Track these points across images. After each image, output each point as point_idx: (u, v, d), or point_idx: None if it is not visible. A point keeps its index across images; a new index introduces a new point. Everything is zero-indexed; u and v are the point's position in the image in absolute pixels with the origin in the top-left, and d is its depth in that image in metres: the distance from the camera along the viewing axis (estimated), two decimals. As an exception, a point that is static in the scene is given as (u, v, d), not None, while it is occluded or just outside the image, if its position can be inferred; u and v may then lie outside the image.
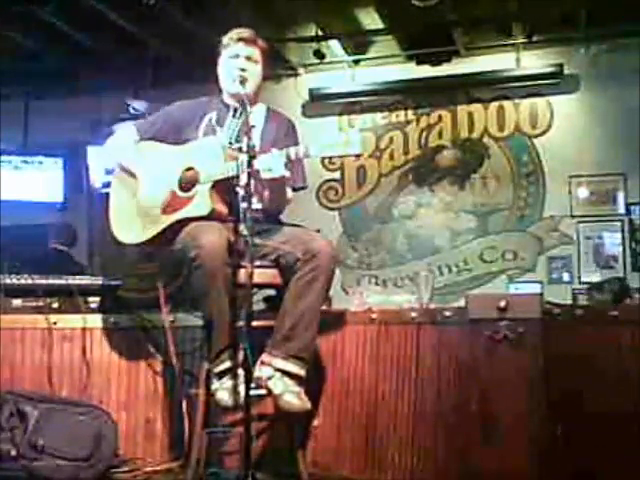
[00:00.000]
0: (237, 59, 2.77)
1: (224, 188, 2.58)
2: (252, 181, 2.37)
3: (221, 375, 2.50)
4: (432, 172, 6.54)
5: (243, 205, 2.33)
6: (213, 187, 2.61)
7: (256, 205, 2.67)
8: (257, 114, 2.83)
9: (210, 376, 2.55)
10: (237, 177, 2.44)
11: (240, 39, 2.78)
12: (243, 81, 2.72)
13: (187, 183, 2.68)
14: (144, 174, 2.79)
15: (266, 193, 2.73)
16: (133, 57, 6.09)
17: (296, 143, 2.75)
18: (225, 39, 2.82)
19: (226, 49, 2.80)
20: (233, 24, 2.88)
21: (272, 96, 5.52)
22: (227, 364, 2.49)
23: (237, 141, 2.74)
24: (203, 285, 2.47)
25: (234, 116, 2.82)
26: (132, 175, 2.83)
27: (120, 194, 2.88)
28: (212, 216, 2.60)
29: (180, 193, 2.68)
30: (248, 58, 2.77)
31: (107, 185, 2.99)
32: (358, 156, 2.69)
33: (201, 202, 2.61)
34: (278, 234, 2.70)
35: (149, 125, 2.89)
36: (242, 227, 2.33)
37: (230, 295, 2.49)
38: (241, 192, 2.35)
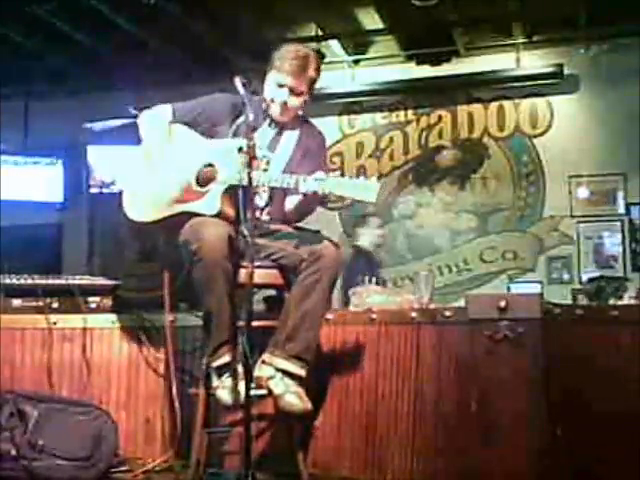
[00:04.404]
0: (282, 89, 2.72)
1: (236, 192, 2.56)
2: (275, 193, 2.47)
3: (220, 370, 2.50)
4: (432, 172, 6.54)
5: (252, 213, 2.36)
6: (227, 190, 2.61)
7: (264, 217, 2.77)
8: (291, 136, 2.84)
9: (209, 371, 2.55)
10: (254, 185, 2.44)
11: (291, 72, 2.68)
12: (283, 112, 2.74)
13: (204, 178, 2.68)
14: (167, 159, 2.74)
15: (296, 201, 2.74)
16: (133, 57, 6.09)
17: (323, 163, 2.80)
18: (279, 57, 2.71)
19: (276, 71, 2.71)
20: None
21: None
22: (226, 358, 2.50)
23: (268, 149, 2.77)
24: (203, 278, 2.48)
25: (269, 125, 2.81)
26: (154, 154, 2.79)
27: (139, 170, 2.82)
28: (218, 218, 2.60)
29: (195, 187, 2.68)
30: (292, 90, 2.71)
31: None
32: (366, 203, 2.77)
33: (211, 201, 2.62)
34: (284, 235, 2.72)
35: (187, 110, 2.80)
36: (243, 227, 2.34)
37: (230, 290, 2.49)
38: (258, 201, 2.36)
